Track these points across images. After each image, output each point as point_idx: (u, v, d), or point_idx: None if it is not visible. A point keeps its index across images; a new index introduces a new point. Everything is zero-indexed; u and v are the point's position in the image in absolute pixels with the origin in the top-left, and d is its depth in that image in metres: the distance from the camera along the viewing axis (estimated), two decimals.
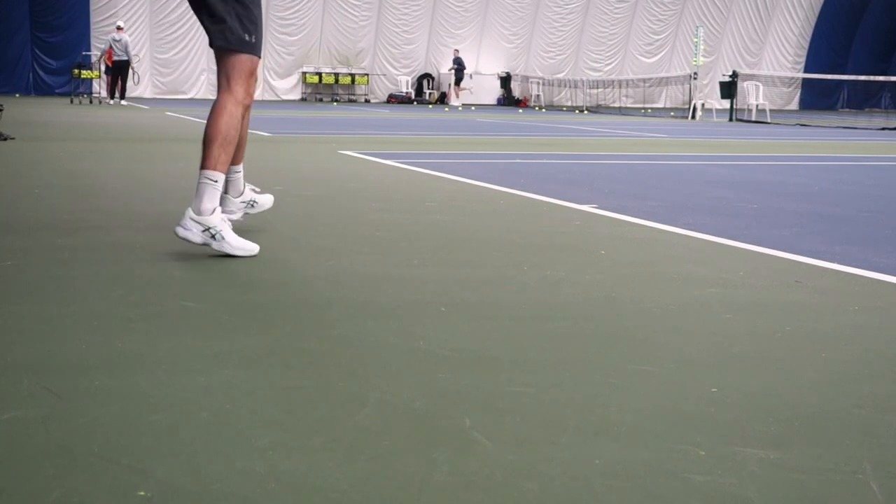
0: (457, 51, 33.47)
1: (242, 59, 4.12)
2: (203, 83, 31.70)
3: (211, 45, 4.20)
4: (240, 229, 4.35)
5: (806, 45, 38.55)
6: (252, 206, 4.77)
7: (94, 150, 9.77)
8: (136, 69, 24.69)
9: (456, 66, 33.13)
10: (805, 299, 3.43)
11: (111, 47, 24.14)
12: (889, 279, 3.81)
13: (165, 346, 2.62)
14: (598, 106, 30.89)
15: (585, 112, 28.44)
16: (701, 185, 7.61)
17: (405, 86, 33.88)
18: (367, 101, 33.51)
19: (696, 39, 25.36)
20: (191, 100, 30.25)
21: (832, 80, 33.65)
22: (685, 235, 4.86)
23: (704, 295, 3.45)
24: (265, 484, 1.74)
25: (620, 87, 32.98)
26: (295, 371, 2.44)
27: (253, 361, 2.50)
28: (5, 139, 10.09)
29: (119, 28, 25.23)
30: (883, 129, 19.87)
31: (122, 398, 2.18)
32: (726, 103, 24.50)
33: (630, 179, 7.94)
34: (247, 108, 4.26)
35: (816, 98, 38.00)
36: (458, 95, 32.73)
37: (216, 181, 4.02)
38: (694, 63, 25.04)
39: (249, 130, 4.70)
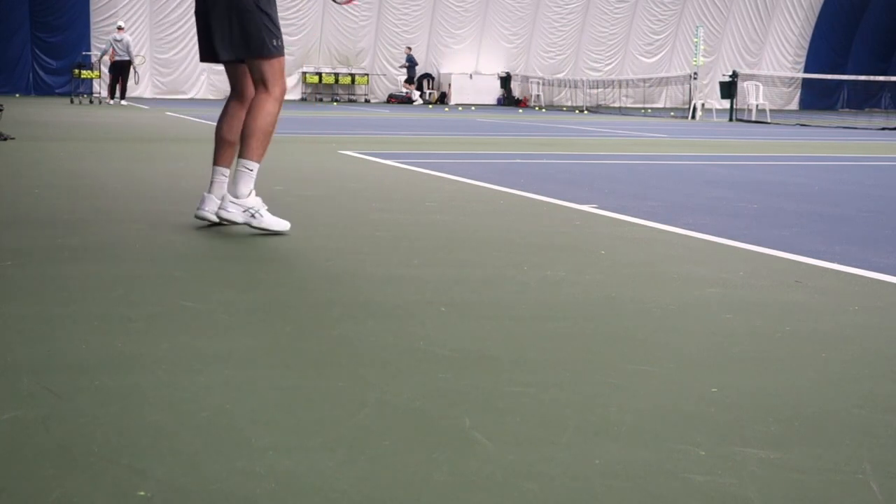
0: (409, 48, 33.30)
1: (274, 63, 4.58)
2: (203, 83, 31.68)
3: (234, 60, 4.62)
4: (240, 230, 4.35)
5: (806, 45, 38.52)
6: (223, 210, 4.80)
7: (94, 150, 9.77)
8: (136, 69, 24.65)
9: (408, 64, 33.02)
10: (805, 299, 3.43)
11: (112, 48, 24.11)
12: (889, 279, 3.81)
13: (165, 346, 2.62)
14: (598, 106, 30.85)
15: (585, 112, 28.41)
16: (701, 185, 7.61)
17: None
18: (367, 101, 33.49)
19: (696, 39, 25.34)
20: (191, 100, 30.22)
21: (832, 80, 33.62)
22: (685, 235, 4.86)
23: (704, 295, 3.45)
24: (265, 484, 1.74)
25: (620, 87, 32.94)
26: (295, 371, 2.44)
27: (253, 361, 2.50)
28: (5, 139, 10.08)
29: (120, 28, 25.19)
30: (883, 129, 19.84)
31: (122, 398, 2.18)
32: (726, 103, 24.46)
33: (630, 179, 7.95)
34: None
35: (816, 98, 37.96)
36: (413, 92, 32.65)
37: (252, 169, 4.55)
38: (694, 63, 25.02)
39: None
